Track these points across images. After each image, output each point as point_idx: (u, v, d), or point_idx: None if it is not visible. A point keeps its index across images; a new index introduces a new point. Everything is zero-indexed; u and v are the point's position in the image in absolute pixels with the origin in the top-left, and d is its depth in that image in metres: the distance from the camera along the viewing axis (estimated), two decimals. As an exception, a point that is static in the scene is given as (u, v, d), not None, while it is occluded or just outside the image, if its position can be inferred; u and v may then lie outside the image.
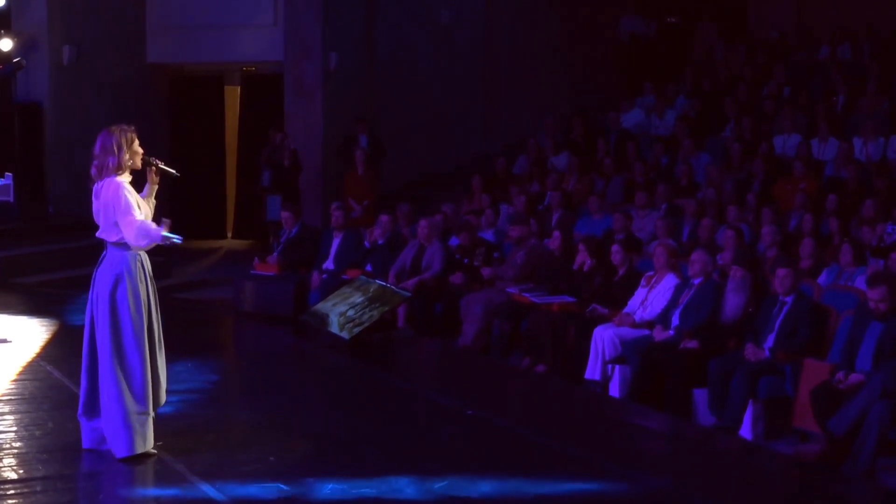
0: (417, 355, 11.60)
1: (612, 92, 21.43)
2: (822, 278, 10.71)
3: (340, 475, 6.84)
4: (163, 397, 7.27)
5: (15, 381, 9.16)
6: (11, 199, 10.38)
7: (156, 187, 7.30)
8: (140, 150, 7.09)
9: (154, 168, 7.23)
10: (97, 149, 6.99)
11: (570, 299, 11.21)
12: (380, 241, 13.22)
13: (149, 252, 7.14)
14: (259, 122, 18.46)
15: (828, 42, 20.71)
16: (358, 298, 11.57)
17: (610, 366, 10.17)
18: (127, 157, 6.97)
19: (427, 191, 18.17)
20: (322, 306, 11.90)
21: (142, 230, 6.92)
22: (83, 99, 17.18)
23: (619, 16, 23.75)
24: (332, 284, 12.47)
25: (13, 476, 6.76)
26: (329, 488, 6.61)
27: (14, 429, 7.73)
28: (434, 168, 19.11)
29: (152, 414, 7.09)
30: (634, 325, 10.31)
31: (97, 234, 7.06)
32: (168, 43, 18.43)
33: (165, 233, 6.96)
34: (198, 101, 19.14)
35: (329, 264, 13.07)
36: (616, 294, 10.95)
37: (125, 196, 6.92)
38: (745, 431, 8.99)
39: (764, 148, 15.46)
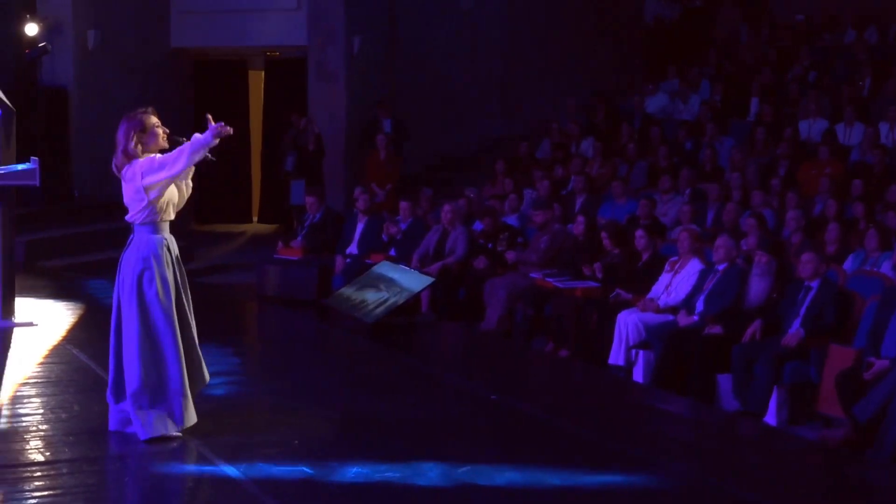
0: (441, 340, 11.61)
1: (635, 76, 21.36)
2: (848, 264, 10.66)
3: (364, 459, 6.85)
4: (207, 376, 7.30)
5: (41, 364, 9.21)
6: (37, 182, 10.40)
7: (193, 169, 7.27)
8: (161, 131, 7.08)
9: None
10: (119, 135, 7.03)
11: (594, 284, 11.20)
12: (403, 226, 13.22)
13: (173, 235, 7.14)
14: (283, 107, 18.48)
15: (853, 25, 20.56)
16: (381, 283, 11.59)
17: (634, 351, 10.16)
18: (136, 142, 6.97)
19: (449, 175, 18.16)
20: (345, 290, 11.93)
21: (184, 153, 6.89)
22: (108, 83, 17.25)
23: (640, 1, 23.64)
24: (356, 269, 12.50)
25: (40, 458, 6.81)
26: (353, 472, 6.62)
27: (41, 412, 7.79)
28: (456, 152, 19.09)
29: (190, 395, 7.11)
30: (658, 311, 10.29)
31: (125, 218, 7.09)
32: (192, 27, 18.47)
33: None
34: (222, 85, 19.17)
35: (352, 249, 13.09)
36: (640, 279, 10.94)
37: (152, 158, 6.93)
38: (770, 417, 8.98)
39: (789, 132, 15.39)
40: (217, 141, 6.91)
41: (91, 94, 17.11)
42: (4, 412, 7.78)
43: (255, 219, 19.81)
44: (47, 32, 16.55)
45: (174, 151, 6.95)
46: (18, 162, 10.87)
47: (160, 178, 6.91)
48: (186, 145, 6.91)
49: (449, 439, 7.56)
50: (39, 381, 8.67)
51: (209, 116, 6.99)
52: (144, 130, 7.04)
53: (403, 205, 13.44)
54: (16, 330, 10.42)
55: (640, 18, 23.51)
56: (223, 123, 6.90)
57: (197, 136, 6.91)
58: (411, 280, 11.54)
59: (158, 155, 6.99)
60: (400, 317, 11.44)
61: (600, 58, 21.53)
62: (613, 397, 9.48)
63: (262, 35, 18.44)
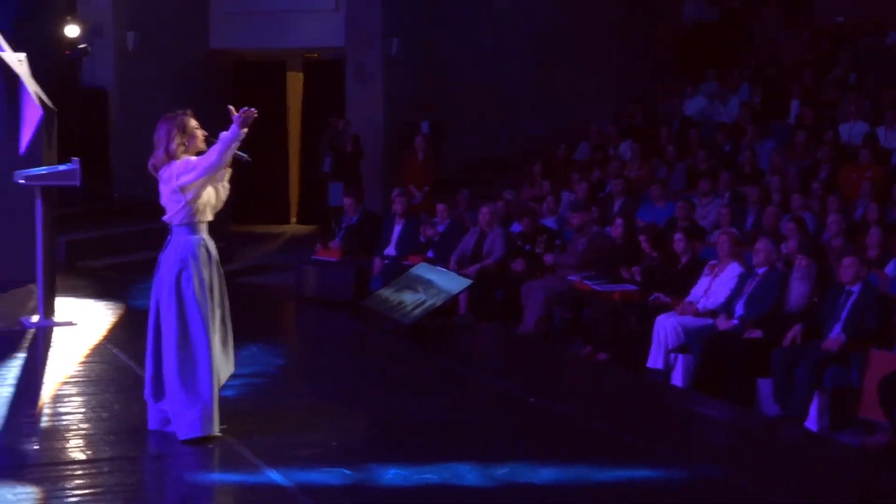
0: (478, 342, 11.60)
1: (673, 78, 21.27)
2: (890, 268, 10.57)
3: (402, 460, 6.85)
4: (223, 380, 7.31)
5: (82, 363, 9.27)
6: (78, 183, 10.48)
7: (229, 171, 7.28)
8: (200, 133, 7.11)
9: None
10: (157, 136, 7.06)
11: (632, 287, 11.15)
12: (440, 228, 13.22)
13: (211, 236, 7.17)
14: (321, 108, 18.52)
15: (895, 27, 20.39)
16: (419, 284, 11.59)
17: (672, 355, 10.12)
18: (178, 143, 7.00)
19: (486, 176, 18.14)
20: (383, 292, 11.94)
21: (214, 150, 6.92)
22: (147, 85, 17.34)
23: (680, 1, 23.53)
24: (394, 270, 12.50)
25: (81, 457, 6.85)
26: (391, 473, 6.62)
27: (82, 411, 7.83)
28: (493, 153, 19.08)
29: (217, 397, 7.14)
30: (697, 314, 10.24)
31: (163, 219, 7.12)
32: (231, 29, 18.55)
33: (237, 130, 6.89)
34: (260, 86, 19.23)
35: (390, 250, 13.10)
36: (678, 282, 10.88)
37: (189, 159, 6.96)
38: (811, 422, 8.91)
39: (829, 135, 15.28)
40: (245, 131, 6.91)
41: (130, 95, 17.21)
42: (46, 411, 7.84)
43: (293, 220, 19.86)
44: (88, 34, 16.65)
45: (207, 152, 6.98)
46: (59, 163, 10.96)
47: (194, 179, 6.93)
48: (216, 144, 6.93)
49: (487, 441, 7.54)
50: (80, 380, 8.72)
51: (231, 108, 6.99)
52: (185, 132, 7.06)
53: (441, 206, 13.44)
54: (56, 329, 10.49)
55: (679, 20, 23.41)
56: (246, 108, 6.89)
57: (223, 133, 6.92)
58: (449, 282, 11.53)
59: (194, 157, 7.02)
60: (437, 318, 11.43)
61: (638, 59, 21.46)
62: (652, 401, 9.43)
63: (300, 37, 18.48)
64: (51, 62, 15.90)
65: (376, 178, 17.63)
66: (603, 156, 16.61)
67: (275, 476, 6.54)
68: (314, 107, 19.10)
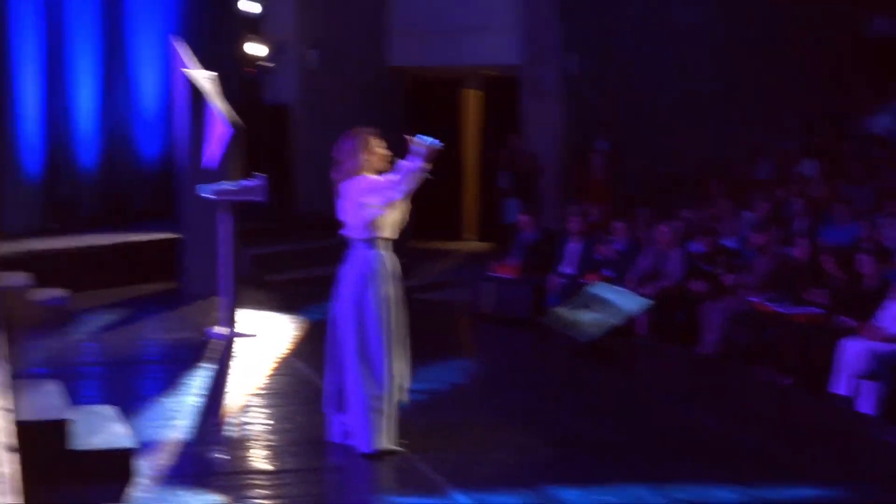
0: (657, 362, 11.43)
1: (859, 95, 20.66)
2: None
3: (581, 481, 6.80)
4: (404, 396, 7.36)
5: (265, 375, 9.47)
6: (264, 199, 10.75)
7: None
8: (383, 152, 7.20)
9: None
10: (339, 151, 7.18)
11: (817, 310, 10.85)
12: (618, 247, 13.10)
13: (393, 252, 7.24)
14: (498, 126, 18.57)
15: None
16: (597, 303, 11.50)
17: (859, 380, 9.79)
18: (364, 158, 7.11)
19: (665, 195, 17.91)
20: (561, 310, 11.88)
21: (396, 184, 6.99)
22: (328, 101, 17.64)
23: (863, 17, 22.87)
24: (571, 288, 12.43)
25: (264, 467, 7.00)
26: (572, 494, 6.58)
27: (265, 421, 8.00)
28: (672, 172, 18.83)
29: (395, 411, 7.19)
30: (886, 339, 9.90)
31: (341, 232, 7.23)
32: (409, 46, 18.74)
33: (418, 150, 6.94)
34: (437, 104, 19.39)
35: (567, 268, 13.04)
36: (865, 305, 10.54)
37: (374, 180, 7.06)
38: None
39: None
40: (428, 165, 6.97)
41: (312, 112, 17.54)
42: (232, 421, 8.03)
43: (469, 237, 19.94)
44: (272, 52, 17.05)
45: (391, 180, 7.04)
46: (244, 178, 11.24)
47: (377, 202, 7.02)
48: (399, 176, 7.00)
49: (666, 463, 7.43)
50: (265, 392, 8.91)
51: (408, 138, 7.05)
52: (368, 150, 7.18)
53: (619, 225, 13.32)
54: (239, 340, 10.74)
55: (864, 36, 22.75)
56: (432, 141, 6.95)
57: (405, 163, 6.98)
58: (628, 301, 11.41)
59: (379, 178, 7.10)
60: (615, 338, 11.32)
61: (822, 76, 20.91)
62: (837, 428, 9.15)
63: (477, 54, 18.57)
64: (236, 80, 16.35)
65: (554, 195, 17.58)
66: (785, 174, 16.24)
67: (456, 495, 6.55)
68: (491, 124, 19.16)
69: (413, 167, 6.96)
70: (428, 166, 6.97)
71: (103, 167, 15.10)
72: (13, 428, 5.78)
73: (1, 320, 9.27)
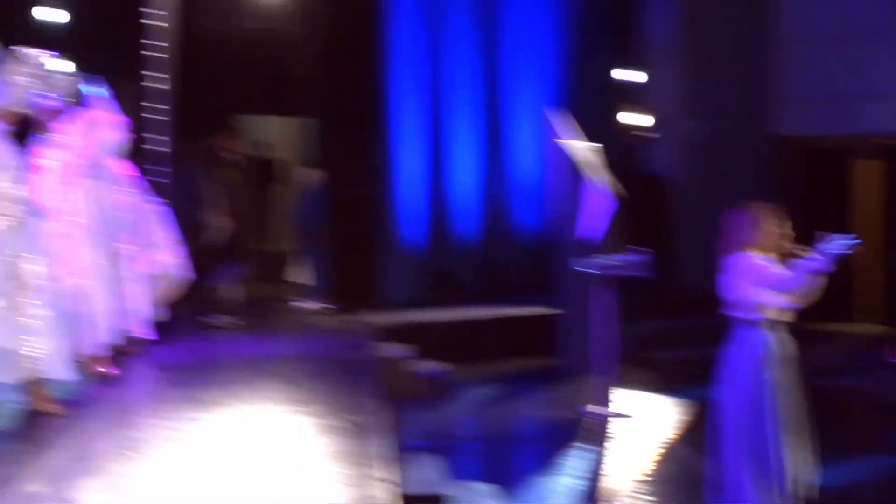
0: None
1: None
2: None
3: None
4: (810, 491, 6.74)
5: (645, 459, 9.17)
6: (649, 274, 10.48)
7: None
8: (779, 231, 6.67)
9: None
10: (728, 223, 6.76)
11: None
12: None
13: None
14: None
15: None
16: None
17: None
18: (756, 235, 6.63)
19: None
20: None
21: (794, 280, 6.45)
22: (712, 172, 17.15)
23: None
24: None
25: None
26: None
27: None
28: None
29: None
30: None
31: (723, 311, 6.75)
32: (801, 115, 18.03)
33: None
34: (828, 174, 18.48)
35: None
36: None
37: (757, 263, 6.56)
38: None
39: None
40: (834, 266, 6.36)
41: (695, 183, 17.12)
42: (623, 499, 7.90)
43: (860, 318, 18.76)
44: (654, 122, 16.81)
45: (783, 275, 6.50)
46: (624, 252, 10.97)
47: (766, 293, 6.51)
48: (794, 275, 6.44)
49: None
50: (642, 475, 8.63)
51: (822, 234, 6.43)
52: (762, 226, 6.70)
53: None
54: (612, 420, 10.47)
55: None
56: (845, 243, 6.33)
57: (805, 263, 6.41)
58: None
59: (769, 264, 6.58)
60: None
61: None
62: None
63: (874, 122, 17.60)
64: (613, 150, 16.20)
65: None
66: None
67: None
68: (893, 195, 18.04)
69: (812, 268, 6.39)
70: (833, 267, 6.36)
71: (483, 240, 15.29)
72: (399, 502, 5.84)
73: (386, 391, 9.39)
